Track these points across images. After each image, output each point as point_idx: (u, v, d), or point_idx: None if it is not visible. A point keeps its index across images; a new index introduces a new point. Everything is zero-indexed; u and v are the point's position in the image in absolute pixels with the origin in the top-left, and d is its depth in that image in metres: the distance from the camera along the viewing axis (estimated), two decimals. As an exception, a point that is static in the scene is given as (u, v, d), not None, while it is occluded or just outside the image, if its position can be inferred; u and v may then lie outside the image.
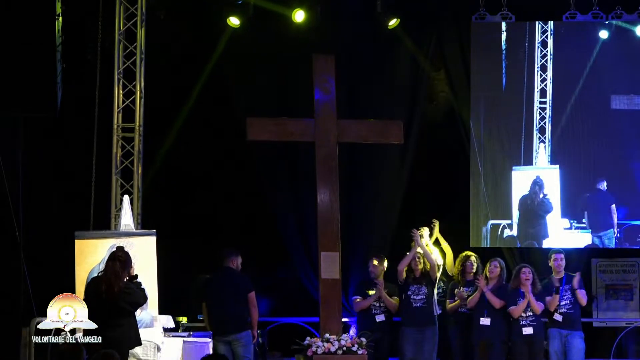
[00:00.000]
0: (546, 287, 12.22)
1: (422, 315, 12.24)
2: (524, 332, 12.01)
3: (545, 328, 12.20)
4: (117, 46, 13.20)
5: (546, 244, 14.10)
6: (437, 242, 12.81)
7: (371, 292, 12.54)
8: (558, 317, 12.13)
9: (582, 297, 12.17)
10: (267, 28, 14.10)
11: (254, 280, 12.14)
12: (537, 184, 14.25)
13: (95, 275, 10.47)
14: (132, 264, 10.37)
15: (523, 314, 12.03)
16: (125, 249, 10.44)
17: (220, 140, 14.35)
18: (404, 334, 12.26)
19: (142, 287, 10.27)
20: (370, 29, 14.33)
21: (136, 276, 10.27)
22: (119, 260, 10.07)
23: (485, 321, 12.10)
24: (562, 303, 12.13)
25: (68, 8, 12.51)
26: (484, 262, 12.51)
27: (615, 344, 13.72)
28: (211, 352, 11.50)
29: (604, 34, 14.29)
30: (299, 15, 13.91)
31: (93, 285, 10.10)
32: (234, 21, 13.85)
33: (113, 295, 9.90)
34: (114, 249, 10.51)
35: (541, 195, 14.22)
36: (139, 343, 10.22)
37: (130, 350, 10.40)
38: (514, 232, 14.31)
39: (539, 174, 14.32)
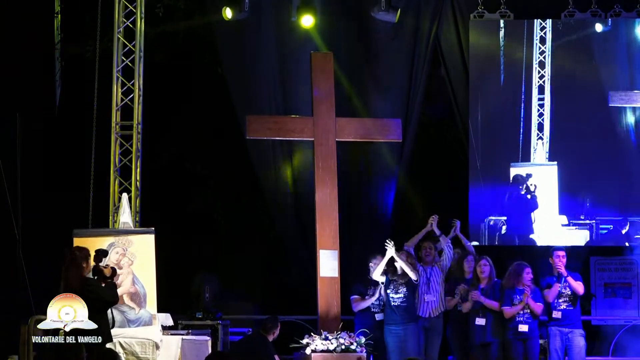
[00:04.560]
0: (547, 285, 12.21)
1: (402, 314, 12.11)
2: (519, 329, 11.99)
3: (546, 325, 12.18)
4: (115, 44, 13.17)
5: (535, 239, 14.15)
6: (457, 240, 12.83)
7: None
8: (557, 314, 12.10)
9: (575, 283, 12.09)
10: (266, 25, 14.07)
11: (253, 278, 12.13)
12: (516, 179, 14.25)
13: None
14: (101, 261, 10.08)
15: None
16: (81, 248, 10.20)
17: (220, 138, 14.35)
18: (387, 333, 12.16)
19: (107, 285, 9.90)
20: (369, 27, 14.31)
21: (114, 272, 10.07)
22: (65, 260, 9.90)
23: (480, 321, 12.06)
24: (561, 300, 12.11)
25: (67, 6, 12.54)
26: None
27: (614, 342, 13.74)
28: (210, 351, 11.52)
29: (601, 30, 14.29)
30: (306, 20, 13.75)
31: None
32: (227, 13, 13.72)
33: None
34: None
35: (523, 192, 14.21)
36: (109, 340, 9.98)
37: (128, 348, 10.39)
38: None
39: (537, 170, 14.32)
